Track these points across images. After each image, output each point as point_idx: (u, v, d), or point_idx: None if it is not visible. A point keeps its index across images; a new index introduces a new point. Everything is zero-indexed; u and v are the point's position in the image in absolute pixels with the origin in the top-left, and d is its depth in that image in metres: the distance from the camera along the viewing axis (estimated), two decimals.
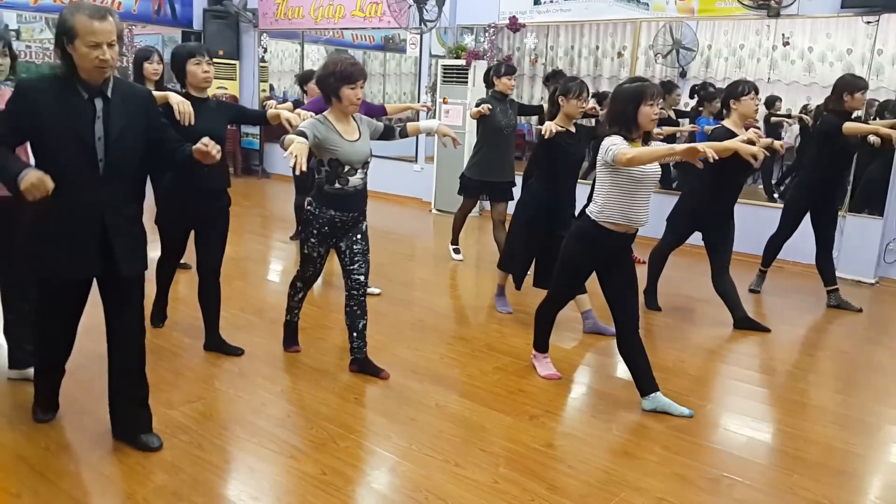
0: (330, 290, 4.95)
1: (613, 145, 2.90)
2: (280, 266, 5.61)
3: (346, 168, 3.12)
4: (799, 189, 4.96)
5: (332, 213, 3.17)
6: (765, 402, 3.36)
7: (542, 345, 3.51)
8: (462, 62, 7.46)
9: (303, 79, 5.60)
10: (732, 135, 3.86)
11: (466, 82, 7.46)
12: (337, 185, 3.14)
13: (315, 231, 3.21)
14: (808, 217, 4.77)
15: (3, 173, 2.22)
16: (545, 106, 5.67)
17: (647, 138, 3.04)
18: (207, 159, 2.45)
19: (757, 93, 4.06)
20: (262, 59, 9.89)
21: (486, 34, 7.54)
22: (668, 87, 6.21)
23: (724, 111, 4.14)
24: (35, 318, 2.63)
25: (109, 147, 2.28)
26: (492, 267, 5.62)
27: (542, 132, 3.78)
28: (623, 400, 3.29)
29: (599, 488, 2.53)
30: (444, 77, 7.67)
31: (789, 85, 6.69)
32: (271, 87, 9.99)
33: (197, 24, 9.78)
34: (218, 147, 2.45)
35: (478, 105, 4.94)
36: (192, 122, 3.11)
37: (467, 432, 2.90)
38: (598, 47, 7.45)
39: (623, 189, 2.98)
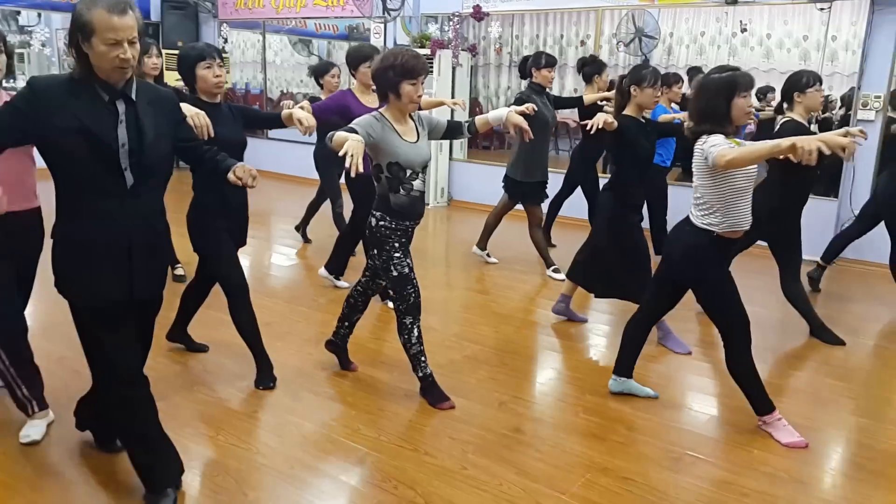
0: (294, 284, 4.92)
1: (714, 146, 2.62)
2: (247, 262, 5.55)
3: (409, 172, 2.86)
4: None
5: (407, 224, 2.93)
6: (725, 380, 3.43)
7: (767, 403, 2.89)
8: (427, 51, 7.44)
9: (318, 71, 5.36)
10: (802, 127, 3.66)
11: (432, 71, 7.43)
12: (402, 193, 2.87)
13: (398, 245, 2.92)
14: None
15: None
16: (584, 97, 5.40)
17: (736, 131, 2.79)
18: (243, 185, 2.29)
19: (821, 83, 3.81)
20: (223, 51, 9.74)
21: (451, 23, 7.52)
22: (668, 80, 5.57)
23: (786, 104, 3.85)
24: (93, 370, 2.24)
25: (137, 155, 2.04)
26: (463, 260, 5.64)
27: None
28: (589, 384, 3.34)
29: (566, 470, 2.57)
30: None
31: (749, 71, 6.80)
32: (248, 85, 9.84)
33: (155, 15, 9.57)
34: (256, 174, 2.29)
35: (517, 101, 4.59)
36: (213, 134, 2.77)
37: (436, 420, 2.92)
38: (562, 36, 7.49)
39: (739, 190, 2.72)
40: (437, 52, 7.37)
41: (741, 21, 6.45)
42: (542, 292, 4.80)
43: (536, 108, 4.35)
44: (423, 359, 3.03)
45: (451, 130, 3.12)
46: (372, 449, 2.68)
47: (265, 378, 3.17)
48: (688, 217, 2.88)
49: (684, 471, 2.60)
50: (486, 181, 7.46)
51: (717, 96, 2.71)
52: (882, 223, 4.66)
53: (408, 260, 2.96)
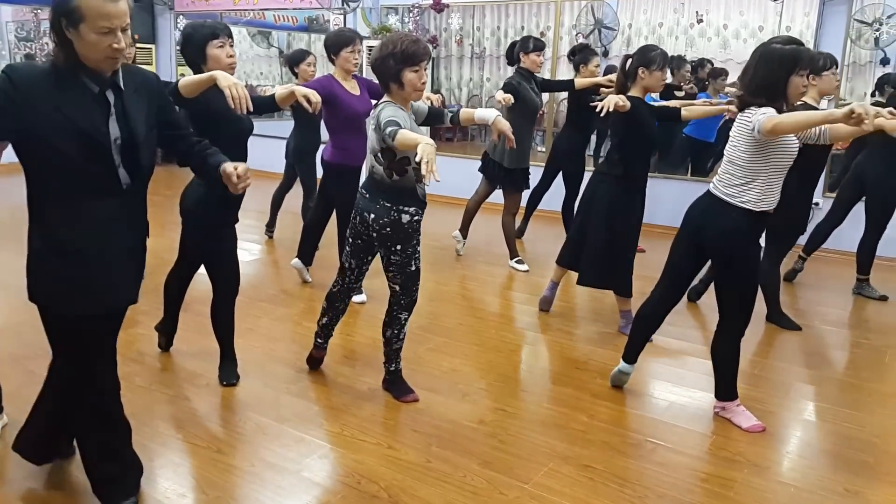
0: (256, 280, 4.86)
1: (763, 114, 2.50)
2: None
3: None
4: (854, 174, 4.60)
5: (422, 215, 2.83)
6: (684, 367, 3.50)
7: (734, 390, 2.93)
8: None
9: (292, 60, 5.18)
10: (812, 109, 3.52)
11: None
12: (423, 183, 2.68)
13: (420, 237, 2.86)
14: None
15: None
16: (575, 81, 5.08)
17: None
18: (237, 189, 2.09)
19: (837, 66, 3.76)
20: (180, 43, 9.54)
21: (411, 14, 7.48)
22: (677, 64, 5.76)
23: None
24: (62, 386, 2.14)
25: (132, 150, 1.89)
26: (427, 252, 5.61)
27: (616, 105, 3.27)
28: (552, 373, 3.37)
29: (529, 460, 2.59)
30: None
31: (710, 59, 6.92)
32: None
33: None
34: (250, 177, 2.10)
35: (506, 87, 4.51)
36: (251, 109, 2.55)
37: (400, 414, 2.91)
38: (523, 27, 7.50)
39: (780, 168, 2.64)
40: None
41: (697, 12, 6.56)
42: (506, 284, 4.82)
43: (514, 100, 4.28)
44: (400, 354, 3.04)
45: (433, 116, 3.01)
46: (335, 444, 2.66)
47: (229, 374, 3.12)
48: (712, 195, 2.75)
49: (644, 457, 2.64)
50: (448, 173, 7.42)
51: (779, 69, 2.57)
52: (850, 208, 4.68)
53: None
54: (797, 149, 2.67)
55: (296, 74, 5.14)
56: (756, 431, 2.84)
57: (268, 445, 2.63)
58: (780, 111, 2.55)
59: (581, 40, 6.88)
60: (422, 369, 3.34)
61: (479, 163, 5.09)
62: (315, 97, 2.89)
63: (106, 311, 2.00)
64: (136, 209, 2.01)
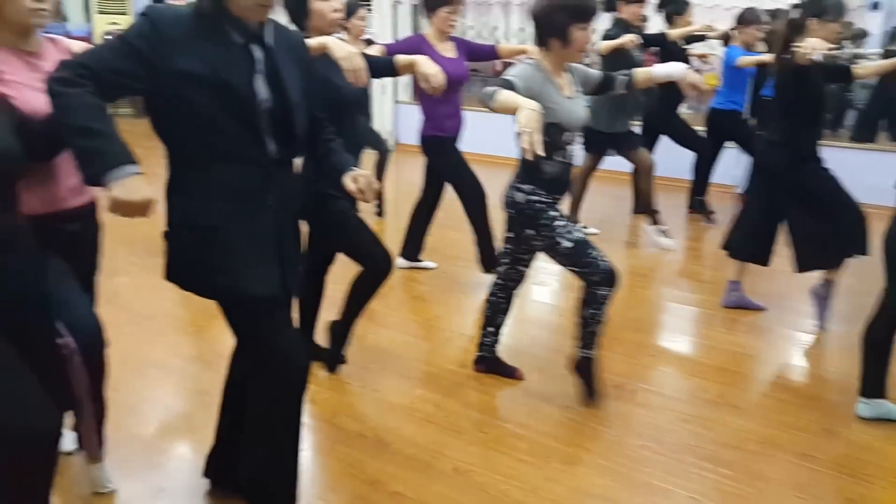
0: None
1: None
2: None
3: (567, 134, 2.36)
4: None
5: (557, 198, 2.45)
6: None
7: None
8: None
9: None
10: None
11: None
12: (559, 159, 2.38)
13: (557, 214, 2.43)
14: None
15: (85, 147, 1.40)
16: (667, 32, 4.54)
17: None
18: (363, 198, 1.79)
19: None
20: None
21: None
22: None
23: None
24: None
25: (283, 117, 1.62)
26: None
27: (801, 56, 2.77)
28: (533, 318, 3.44)
29: (511, 401, 2.67)
30: None
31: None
32: None
33: None
34: (377, 187, 1.78)
35: (606, 37, 4.11)
36: (368, 82, 2.17)
37: (386, 358, 2.95)
38: None
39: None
40: None
41: None
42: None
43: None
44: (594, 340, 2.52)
45: (605, 84, 2.57)
46: (320, 387, 2.69)
47: None
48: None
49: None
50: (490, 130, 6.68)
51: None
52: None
53: (574, 224, 2.44)
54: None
55: (346, 29, 3.89)
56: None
57: None
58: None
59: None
60: (405, 316, 3.37)
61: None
62: (436, 79, 2.30)
63: (241, 301, 1.67)
64: (287, 188, 1.71)
